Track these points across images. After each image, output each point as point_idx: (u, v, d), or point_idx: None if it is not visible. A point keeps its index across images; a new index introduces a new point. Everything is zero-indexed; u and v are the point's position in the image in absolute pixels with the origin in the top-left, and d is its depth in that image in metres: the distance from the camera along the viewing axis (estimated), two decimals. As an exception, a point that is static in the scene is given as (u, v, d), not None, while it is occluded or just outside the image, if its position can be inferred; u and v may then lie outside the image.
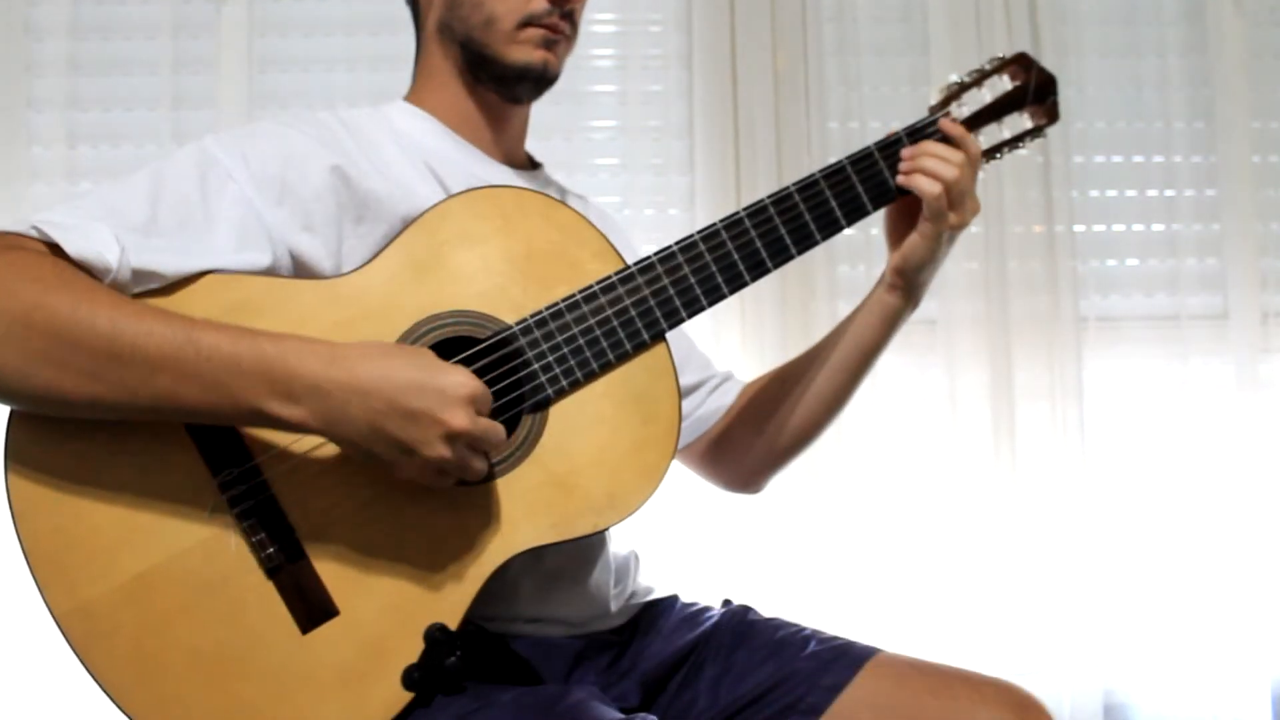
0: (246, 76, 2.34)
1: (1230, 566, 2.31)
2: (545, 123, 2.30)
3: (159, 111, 2.30)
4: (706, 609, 1.46)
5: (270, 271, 1.17)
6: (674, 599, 1.47)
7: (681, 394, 1.23)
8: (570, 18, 1.35)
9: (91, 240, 1.07)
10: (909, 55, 2.38)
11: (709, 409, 1.54)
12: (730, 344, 2.29)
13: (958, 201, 1.31)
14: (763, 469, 1.52)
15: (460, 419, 1.04)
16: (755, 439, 1.50)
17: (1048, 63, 1.30)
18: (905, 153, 1.32)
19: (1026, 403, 2.32)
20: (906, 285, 1.37)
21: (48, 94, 2.30)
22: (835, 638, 1.37)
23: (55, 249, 1.06)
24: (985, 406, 2.31)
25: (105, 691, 1.07)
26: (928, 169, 1.30)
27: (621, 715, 1.12)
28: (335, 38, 2.36)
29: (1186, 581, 2.34)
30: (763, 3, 2.34)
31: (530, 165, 1.47)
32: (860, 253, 2.34)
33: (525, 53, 1.32)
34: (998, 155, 1.39)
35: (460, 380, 1.06)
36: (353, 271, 1.19)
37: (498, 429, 1.09)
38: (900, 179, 1.32)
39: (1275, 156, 2.45)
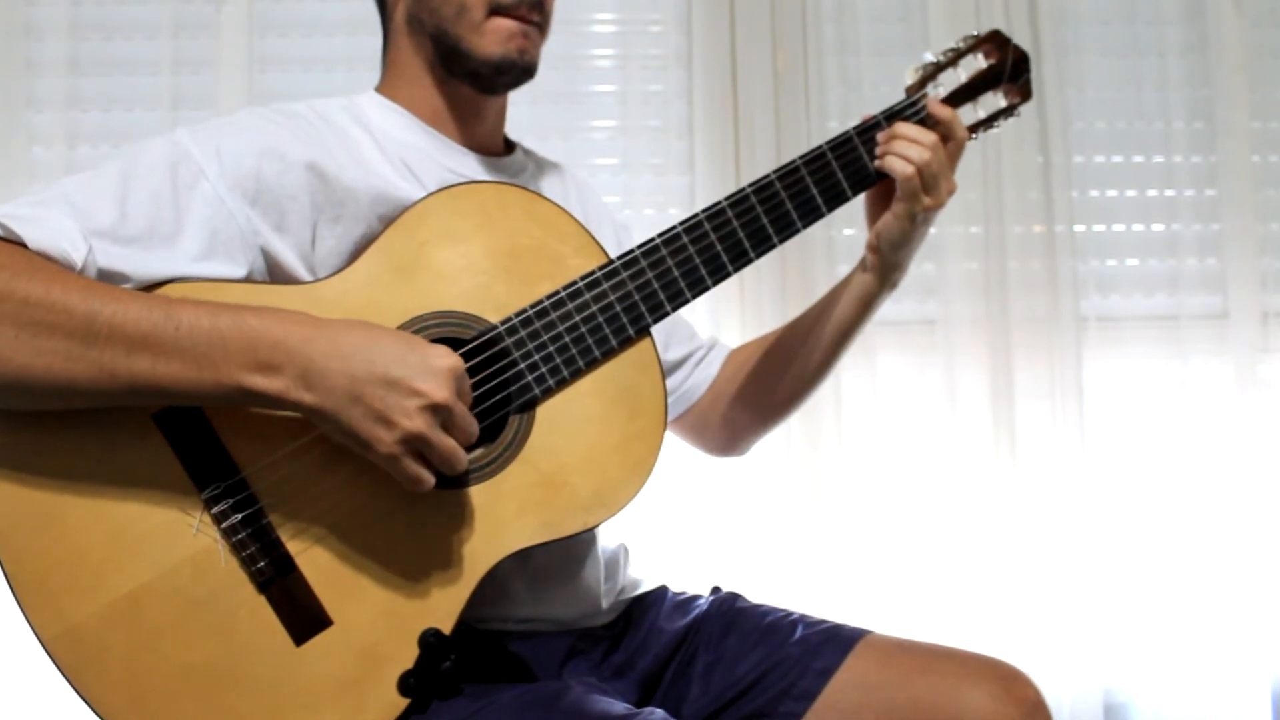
0: (246, 76, 2.33)
1: (1230, 566, 2.31)
2: (545, 123, 2.31)
3: (159, 111, 2.29)
4: (695, 598, 1.47)
5: (245, 280, 1.16)
6: (663, 590, 1.48)
7: (667, 373, 1.23)
8: (540, 8, 1.34)
9: (57, 236, 1.05)
10: (909, 55, 2.35)
11: (695, 381, 1.57)
12: (729, 343, 2.27)
13: (931, 183, 1.33)
14: (747, 435, 1.58)
15: (440, 391, 1.04)
16: (740, 409, 1.54)
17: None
18: (880, 136, 1.34)
19: (1026, 403, 2.31)
20: (881, 264, 1.40)
21: (48, 94, 2.30)
22: (822, 620, 1.38)
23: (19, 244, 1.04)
24: (985, 406, 2.31)
25: (97, 714, 1.06)
26: (899, 151, 1.32)
27: (625, 706, 1.12)
28: (335, 38, 2.36)
29: (1186, 581, 2.33)
30: (763, 3, 2.34)
31: (507, 150, 1.46)
32: (860, 250, 2.32)
33: (498, 45, 1.31)
34: (973, 136, 1.40)
35: (442, 353, 1.06)
36: (332, 275, 1.18)
37: (473, 421, 1.09)
38: (876, 162, 1.34)
39: (1275, 156, 2.44)
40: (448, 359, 1.06)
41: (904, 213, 1.34)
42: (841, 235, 2.31)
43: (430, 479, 1.08)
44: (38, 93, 2.30)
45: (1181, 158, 2.41)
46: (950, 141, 1.35)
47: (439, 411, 1.04)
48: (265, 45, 2.37)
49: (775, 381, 1.50)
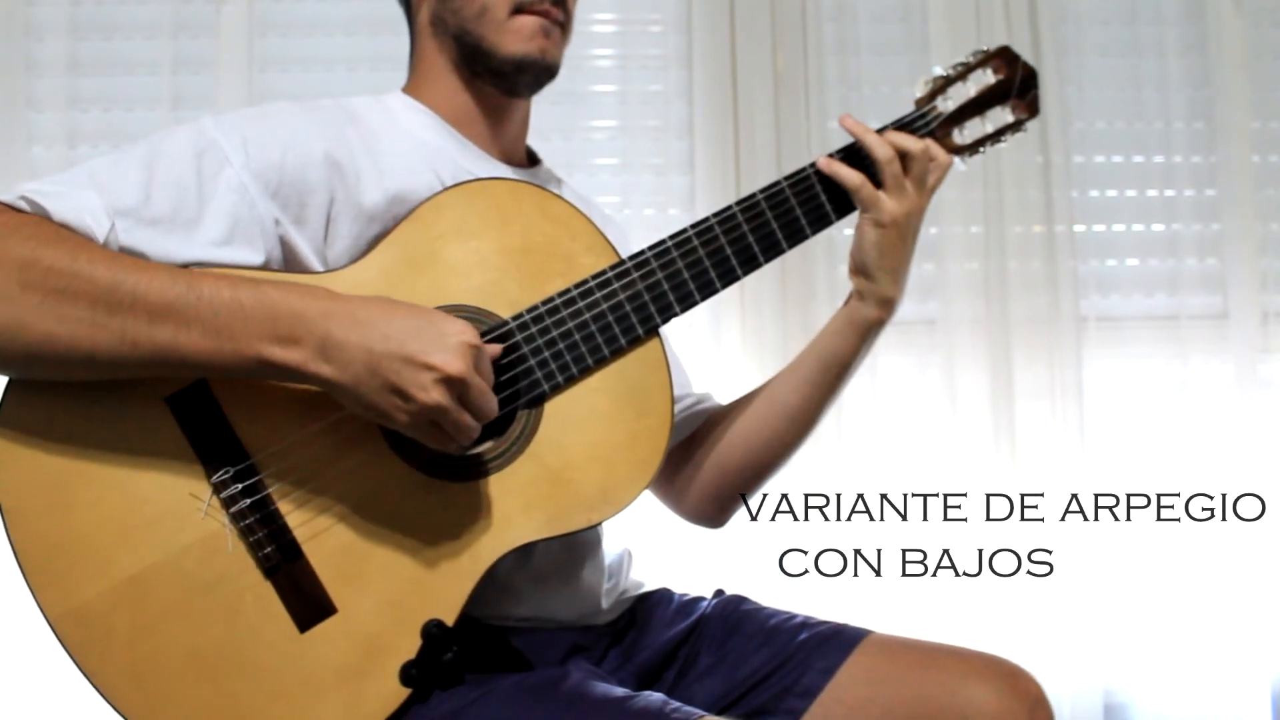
0: (246, 76, 2.33)
1: (1230, 566, 2.31)
2: (545, 123, 2.30)
3: (159, 111, 2.30)
4: (699, 599, 1.46)
5: (262, 268, 1.16)
6: (667, 591, 1.47)
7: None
8: (563, 5, 1.34)
9: (80, 211, 1.06)
10: (909, 55, 2.38)
11: (680, 424, 1.47)
12: (730, 344, 2.29)
13: (893, 186, 1.29)
14: (723, 493, 1.46)
15: (456, 364, 1.04)
16: (727, 460, 1.45)
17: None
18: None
19: (1026, 403, 2.31)
20: (863, 289, 1.34)
21: (48, 94, 2.30)
22: (826, 622, 1.38)
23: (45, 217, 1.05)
24: (985, 406, 2.31)
25: (101, 694, 1.06)
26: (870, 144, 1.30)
27: (625, 690, 1.13)
28: (335, 38, 2.37)
29: (1186, 581, 2.34)
30: (763, 3, 2.34)
31: (530, 162, 1.47)
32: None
33: (521, 43, 1.30)
34: (981, 150, 1.39)
35: (459, 328, 1.06)
36: (346, 266, 1.18)
37: (491, 396, 1.08)
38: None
39: (1275, 156, 2.45)
40: (463, 333, 1.06)
41: (868, 222, 1.30)
42: (842, 235, 2.31)
43: (444, 440, 1.08)
44: (38, 93, 2.31)
45: (1181, 158, 2.42)
46: (908, 159, 1.31)
47: (454, 385, 1.04)
48: (265, 45, 2.37)
49: (769, 425, 1.42)
